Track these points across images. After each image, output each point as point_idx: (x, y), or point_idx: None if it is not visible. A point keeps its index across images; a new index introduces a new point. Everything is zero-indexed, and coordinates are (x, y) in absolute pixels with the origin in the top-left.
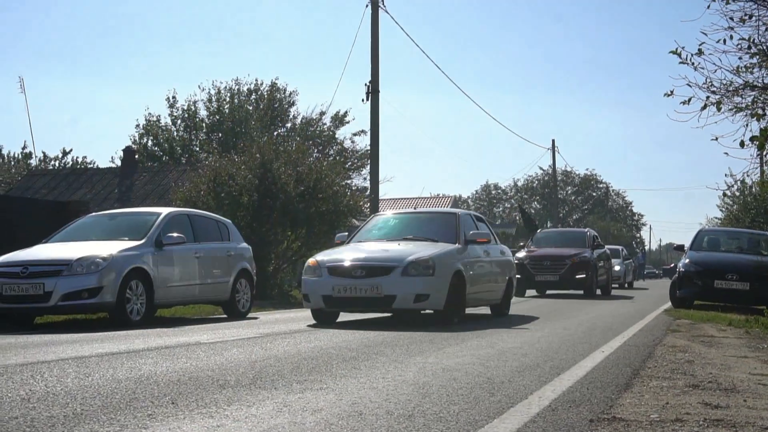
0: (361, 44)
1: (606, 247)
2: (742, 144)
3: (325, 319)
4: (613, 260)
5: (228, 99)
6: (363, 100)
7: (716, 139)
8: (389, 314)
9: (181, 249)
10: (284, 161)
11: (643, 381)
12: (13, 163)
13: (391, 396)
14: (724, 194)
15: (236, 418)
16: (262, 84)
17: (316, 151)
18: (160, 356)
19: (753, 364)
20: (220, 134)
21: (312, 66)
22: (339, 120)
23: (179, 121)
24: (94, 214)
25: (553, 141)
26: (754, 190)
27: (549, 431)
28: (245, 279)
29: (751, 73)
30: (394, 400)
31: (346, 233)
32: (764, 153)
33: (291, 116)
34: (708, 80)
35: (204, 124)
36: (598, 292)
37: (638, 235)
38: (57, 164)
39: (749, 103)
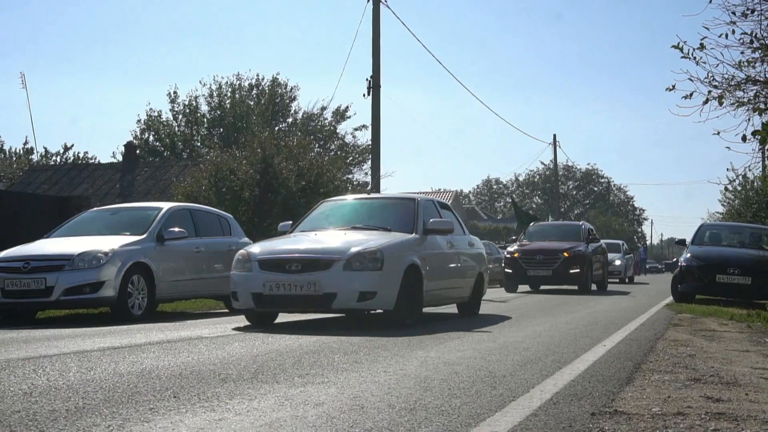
0: (362, 39)
1: (606, 241)
2: (744, 138)
3: (259, 320)
4: (613, 255)
5: (229, 94)
6: (364, 95)
7: (718, 133)
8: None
9: (182, 244)
10: (285, 156)
11: (644, 375)
12: (14, 158)
13: (392, 389)
14: (726, 189)
15: (238, 411)
16: (263, 79)
17: (317, 146)
18: (162, 350)
19: (755, 358)
20: (221, 129)
21: (313, 61)
22: (340, 115)
23: (180, 117)
24: (95, 209)
25: (555, 136)
26: (755, 184)
27: (551, 424)
28: None
29: (753, 67)
30: (396, 393)
31: (290, 222)
32: (766, 147)
33: (292, 111)
34: (710, 75)
35: (205, 120)
36: (594, 287)
37: (640, 229)
38: (58, 159)
39: (751, 98)
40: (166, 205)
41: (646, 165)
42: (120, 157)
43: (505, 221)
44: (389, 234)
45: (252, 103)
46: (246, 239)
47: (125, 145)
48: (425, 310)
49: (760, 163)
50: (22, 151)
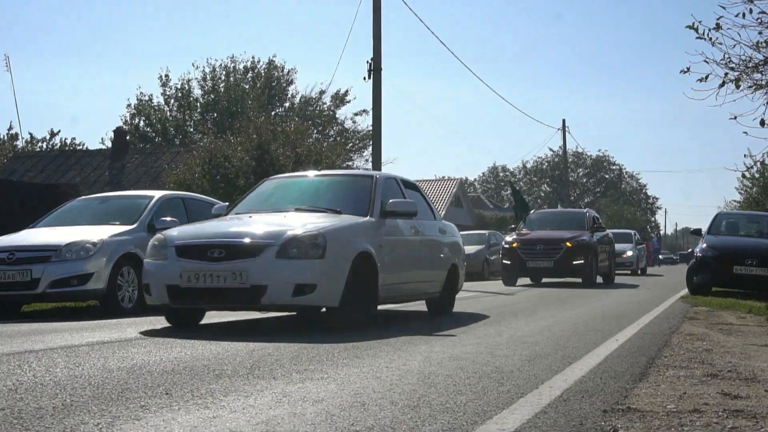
0: (362, 20)
1: (618, 231)
2: (762, 123)
3: (180, 319)
4: (625, 245)
5: (223, 77)
6: (365, 79)
7: (735, 117)
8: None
9: None
10: (282, 142)
11: (659, 370)
12: None
13: (395, 386)
14: (743, 176)
15: (233, 408)
16: (259, 62)
17: (315, 131)
18: (153, 345)
19: None
20: (215, 114)
21: (311, 43)
22: (339, 99)
23: (172, 101)
24: (84, 197)
25: (564, 121)
26: None
27: (560, 423)
28: None
29: None
30: (399, 390)
31: (227, 204)
32: None
33: (289, 95)
34: (726, 56)
35: (198, 104)
36: (600, 279)
37: (653, 219)
38: (44, 146)
39: None
40: (157, 194)
41: (659, 151)
42: (109, 144)
43: (512, 210)
44: (338, 216)
45: (247, 86)
46: None
47: (114, 131)
48: (384, 307)
49: None
50: (6, 138)
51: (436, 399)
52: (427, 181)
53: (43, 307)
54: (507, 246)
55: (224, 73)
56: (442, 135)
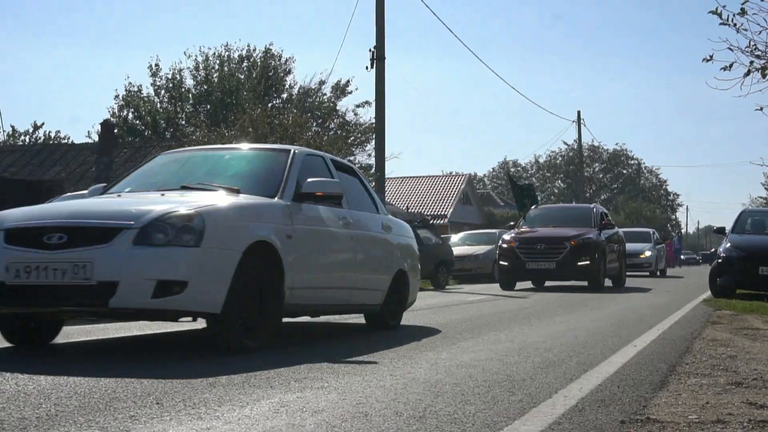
0: (365, 5)
1: (636, 229)
2: None
3: (15, 331)
4: (643, 245)
5: (217, 67)
6: (367, 68)
7: (761, 108)
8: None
9: None
10: (280, 136)
11: (680, 378)
12: None
13: (399, 395)
14: None
15: (228, 419)
16: (255, 50)
17: (315, 124)
18: (144, 350)
19: None
20: (208, 106)
21: (310, 30)
22: (340, 90)
23: (163, 92)
24: (68, 194)
25: (579, 112)
26: None
27: None
28: None
29: None
30: (404, 399)
31: (104, 184)
32: None
33: (287, 86)
34: (752, 43)
35: (190, 95)
36: (608, 282)
37: (674, 216)
38: (27, 140)
39: None
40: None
41: (680, 145)
42: (96, 137)
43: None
44: (233, 196)
45: (242, 76)
46: None
47: (102, 124)
48: (300, 320)
49: None
50: None
51: (443, 409)
52: (433, 177)
53: None
54: (504, 246)
55: (218, 62)
56: (450, 128)
